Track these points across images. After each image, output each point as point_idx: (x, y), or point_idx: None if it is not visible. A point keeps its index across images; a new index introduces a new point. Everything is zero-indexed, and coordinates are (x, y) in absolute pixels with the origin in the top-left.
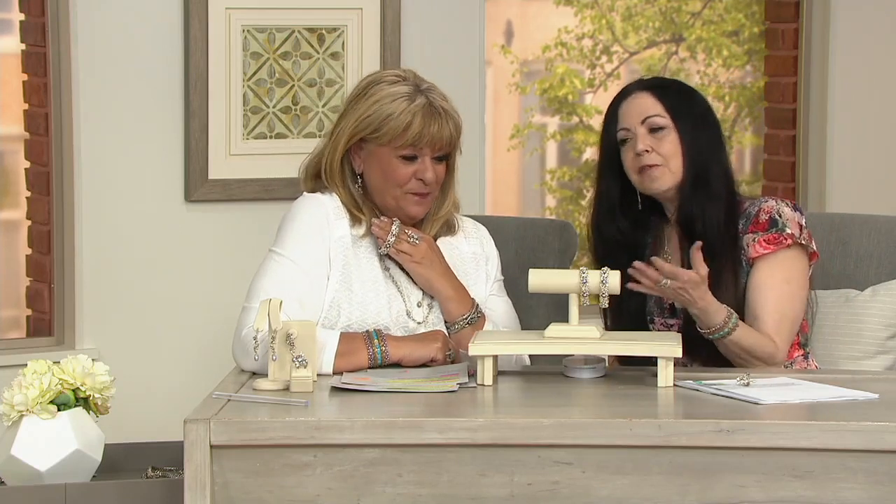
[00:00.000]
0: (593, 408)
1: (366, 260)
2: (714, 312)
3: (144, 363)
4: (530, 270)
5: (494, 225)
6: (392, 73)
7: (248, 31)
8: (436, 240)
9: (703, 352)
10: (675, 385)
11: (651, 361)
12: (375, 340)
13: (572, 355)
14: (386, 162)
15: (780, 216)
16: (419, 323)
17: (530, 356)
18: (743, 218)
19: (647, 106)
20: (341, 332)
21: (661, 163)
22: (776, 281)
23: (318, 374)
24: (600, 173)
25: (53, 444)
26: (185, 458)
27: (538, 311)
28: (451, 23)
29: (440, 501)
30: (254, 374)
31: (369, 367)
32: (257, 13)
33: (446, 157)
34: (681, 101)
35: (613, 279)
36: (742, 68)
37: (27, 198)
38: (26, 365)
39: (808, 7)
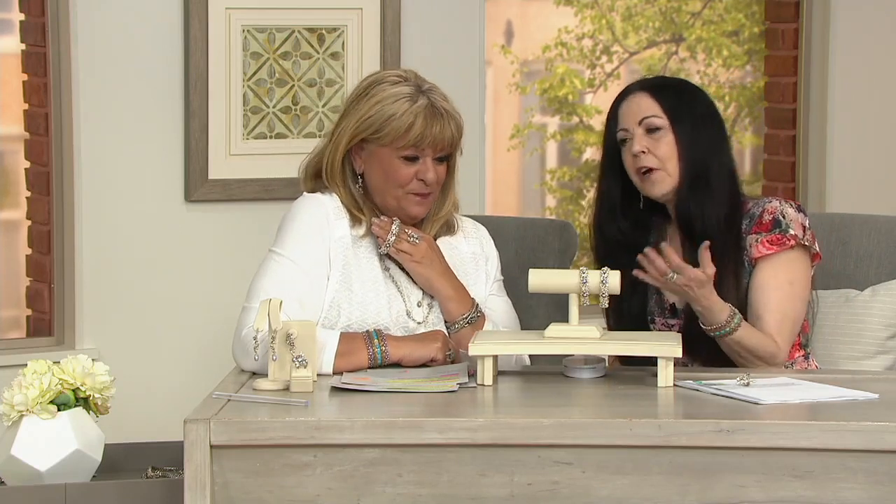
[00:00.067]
0: (593, 408)
1: (366, 260)
2: (718, 311)
3: (144, 363)
4: (530, 270)
5: (494, 225)
6: (394, 73)
7: (248, 31)
8: (435, 240)
9: (704, 352)
10: (675, 385)
11: (651, 361)
12: (375, 340)
13: (572, 355)
14: (387, 162)
15: (783, 217)
16: (419, 323)
17: (530, 356)
18: (746, 218)
19: (644, 106)
20: (341, 332)
21: (658, 165)
22: (779, 282)
23: (318, 374)
24: (602, 173)
25: (53, 444)
26: (185, 458)
27: (538, 311)
28: (451, 23)
29: (440, 501)
30: (254, 374)
31: (369, 367)
32: (257, 13)
33: (447, 158)
34: (680, 101)
35: (613, 279)
36: (742, 68)
37: (27, 198)
38: (26, 365)
39: (808, 7)
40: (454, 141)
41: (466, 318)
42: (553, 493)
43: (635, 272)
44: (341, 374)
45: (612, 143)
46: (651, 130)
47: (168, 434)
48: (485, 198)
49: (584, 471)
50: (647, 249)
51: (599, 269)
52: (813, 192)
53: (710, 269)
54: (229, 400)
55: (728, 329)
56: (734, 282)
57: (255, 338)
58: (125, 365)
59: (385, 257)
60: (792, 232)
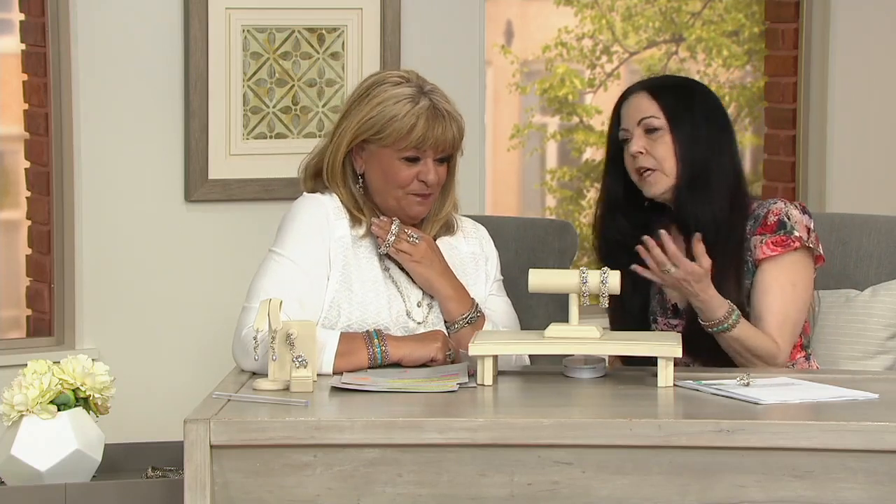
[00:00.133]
0: (593, 408)
1: (366, 260)
2: (716, 307)
3: (144, 363)
4: (530, 270)
5: (494, 225)
6: (395, 74)
7: (248, 31)
8: (435, 240)
9: (705, 353)
10: (675, 385)
11: (652, 361)
12: (375, 340)
13: (572, 355)
14: (388, 163)
15: (788, 218)
16: (419, 323)
17: (530, 356)
18: (751, 220)
19: (643, 107)
20: (341, 332)
21: (655, 166)
22: (781, 283)
23: (318, 374)
24: (605, 173)
25: (53, 444)
26: (185, 458)
27: (538, 311)
28: (451, 23)
29: (440, 501)
30: (254, 374)
31: (369, 367)
32: (257, 13)
33: (448, 159)
34: (681, 101)
35: (613, 279)
36: (742, 68)
37: (27, 198)
38: (26, 365)
39: (808, 7)
40: (455, 142)
41: (466, 318)
42: (553, 493)
43: (634, 267)
44: (341, 374)
45: (615, 142)
46: (650, 131)
47: (168, 434)
48: (485, 198)
49: (584, 471)
50: (646, 238)
51: (600, 268)
52: (813, 192)
53: (707, 262)
54: (229, 400)
55: (727, 325)
56: (736, 282)
57: (255, 338)
58: (125, 365)
59: (385, 257)
60: (796, 234)
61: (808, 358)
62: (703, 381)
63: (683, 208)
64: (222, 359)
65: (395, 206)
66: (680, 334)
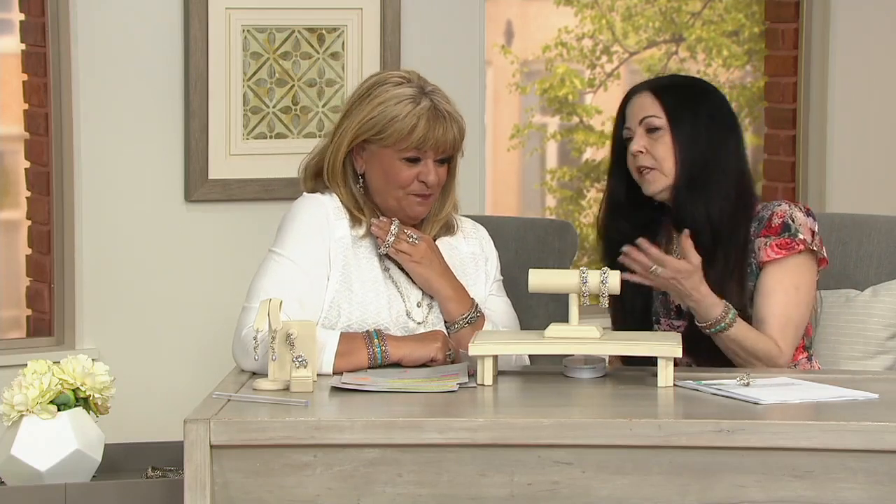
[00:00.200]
0: (593, 408)
1: (366, 260)
2: (711, 305)
3: (144, 363)
4: (530, 270)
5: (494, 225)
6: (396, 74)
7: (248, 31)
8: (435, 240)
9: (705, 353)
10: (675, 385)
11: (653, 361)
12: (375, 340)
13: (572, 355)
14: (388, 163)
15: (793, 221)
16: (419, 323)
17: (530, 356)
18: (755, 221)
19: (645, 106)
20: (341, 332)
21: (654, 165)
22: (785, 286)
23: (318, 374)
24: (610, 172)
25: (53, 444)
26: (185, 458)
27: (538, 311)
28: (451, 23)
29: (440, 501)
30: (254, 374)
31: (369, 367)
32: (257, 13)
33: (448, 160)
34: (683, 101)
35: (613, 279)
36: (742, 68)
37: (27, 198)
38: (26, 365)
39: (808, 7)
40: (456, 143)
41: (466, 318)
42: (553, 493)
43: (624, 276)
44: (341, 374)
45: (619, 141)
46: (651, 130)
47: (168, 434)
48: (485, 198)
49: (584, 471)
50: (626, 248)
51: (600, 268)
52: (813, 192)
53: (695, 258)
54: (229, 400)
55: (723, 325)
56: (738, 284)
57: (255, 338)
58: (125, 365)
59: (385, 258)
60: (801, 237)
61: (809, 359)
62: (703, 381)
63: (681, 208)
64: (222, 359)
65: (395, 207)
66: (680, 334)
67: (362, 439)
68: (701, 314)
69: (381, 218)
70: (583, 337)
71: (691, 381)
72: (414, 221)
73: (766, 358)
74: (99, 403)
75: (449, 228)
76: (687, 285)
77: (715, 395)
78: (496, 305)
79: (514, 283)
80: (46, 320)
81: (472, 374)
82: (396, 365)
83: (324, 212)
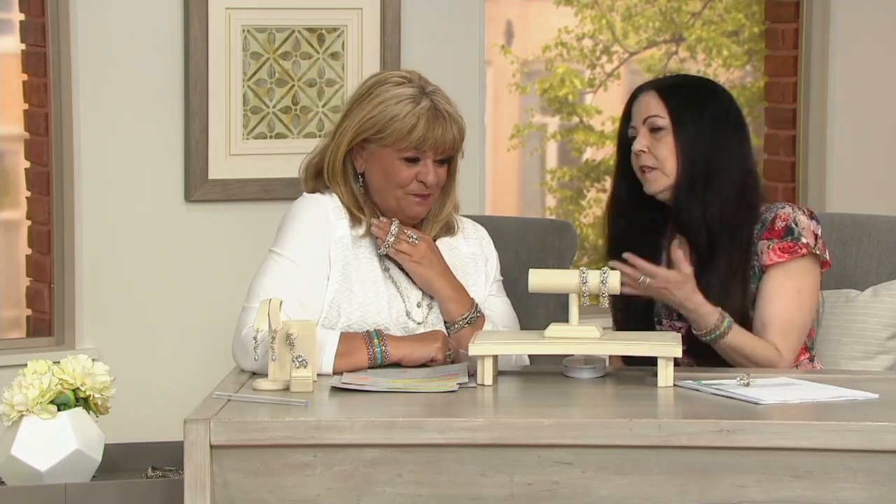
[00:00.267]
0: (593, 408)
1: (366, 260)
2: (706, 314)
3: (144, 363)
4: (530, 270)
5: (494, 225)
6: (397, 74)
7: (248, 31)
8: (435, 240)
9: (706, 354)
10: (675, 385)
11: (654, 361)
12: (375, 340)
13: (572, 355)
14: (388, 163)
15: (796, 224)
16: (419, 323)
17: (530, 356)
18: (758, 223)
19: (650, 105)
20: (341, 332)
21: (656, 165)
22: (787, 290)
23: (318, 374)
24: (615, 170)
25: (53, 444)
26: (185, 458)
27: (538, 311)
28: (451, 23)
29: (440, 501)
30: (254, 374)
31: (369, 367)
32: (257, 13)
33: (448, 160)
34: (688, 102)
35: (613, 279)
36: (742, 68)
37: (27, 198)
38: (26, 365)
39: (808, 7)
40: (456, 144)
41: (466, 318)
42: (553, 493)
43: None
44: (341, 374)
45: (625, 139)
46: (654, 130)
47: (168, 434)
48: (485, 198)
49: (584, 471)
50: (612, 262)
51: (600, 268)
52: (813, 192)
53: (687, 268)
54: (229, 400)
55: (718, 333)
56: (741, 286)
57: (255, 338)
58: (125, 365)
59: (385, 258)
60: (804, 240)
61: (812, 360)
62: (703, 381)
63: (682, 209)
64: (222, 359)
65: (394, 207)
66: (680, 335)
67: (362, 439)
68: (696, 322)
69: (382, 218)
70: (583, 337)
71: (691, 381)
72: (413, 221)
73: (766, 363)
74: (99, 403)
75: (449, 229)
76: (679, 295)
77: (715, 395)
78: (496, 306)
79: (514, 283)
80: (46, 320)
81: (472, 374)
82: (396, 365)
83: (324, 212)
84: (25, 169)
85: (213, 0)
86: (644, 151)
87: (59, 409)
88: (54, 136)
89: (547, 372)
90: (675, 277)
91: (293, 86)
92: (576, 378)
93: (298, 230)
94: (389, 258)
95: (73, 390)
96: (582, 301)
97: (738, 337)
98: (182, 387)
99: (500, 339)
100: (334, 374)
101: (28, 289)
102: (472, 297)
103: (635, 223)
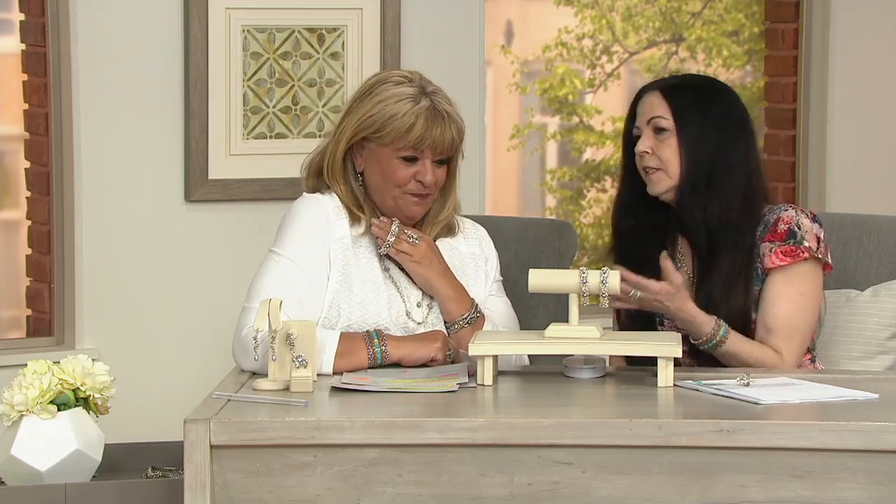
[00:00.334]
0: (593, 408)
1: (365, 260)
2: (701, 324)
3: (144, 363)
4: (530, 270)
5: (494, 225)
6: (398, 73)
7: (248, 31)
8: (435, 241)
9: (706, 354)
10: (675, 385)
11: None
12: (375, 340)
13: (572, 355)
14: (386, 162)
15: (799, 228)
16: (419, 323)
17: (530, 356)
18: (761, 225)
19: (654, 106)
20: (341, 332)
21: (659, 166)
22: (790, 294)
23: (318, 374)
24: (622, 169)
25: (53, 444)
26: (185, 458)
27: (538, 311)
28: (451, 23)
29: (440, 501)
30: (254, 374)
31: (369, 367)
32: (257, 13)
33: (447, 161)
34: (692, 103)
35: (613, 279)
36: (742, 68)
37: (27, 198)
38: (26, 365)
39: (808, 7)
40: (454, 144)
41: (466, 318)
42: (553, 493)
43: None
44: (341, 374)
45: (630, 139)
46: (658, 131)
47: (168, 434)
48: (485, 198)
49: (584, 471)
50: (619, 269)
51: (616, 265)
52: (813, 192)
53: (677, 279)
54: (229, 400)
55: (715, 341)
56: (744, 288)
57: (255, 338)
58: (125, 365)
59: (385, 258)
60: (806, 244)
61: (813, 360)
62: (703, 381)
63: (685, 210)
64: (222, 359)
65: (392, 206)
66: (680, 335)
67: (362, 439)
68: (692, 332)
69: (382, 218)
70: (583, 337)
71: (691, 381)
72: (411, 221)
73: (768, 368)
74: (99, 403)
75: (450, 230)
76: (672, 306)
77: (715, 395)
78: (496, 306)
79: (514, 283)
80: (46, 320)
81: (472, 374)
82: (396, 365)
83: (324, 212)
84: (25, 169)
85: (213, 0)
86: (648, 153)
87: (59, 409)
88: (54, 136)
89: (547, 372)
90: (666, 289)
91: (293, 86)
92: (576, 378)
93: (298, 230)
94: (390, 258)
95: (73, 390)
96: (582, 301)
97: (736, 344)
98: (182, 387)
99: (500, 339)
100: (334, 374)
101: (28, 289)
102: (472, 297)
103: (641, 223)
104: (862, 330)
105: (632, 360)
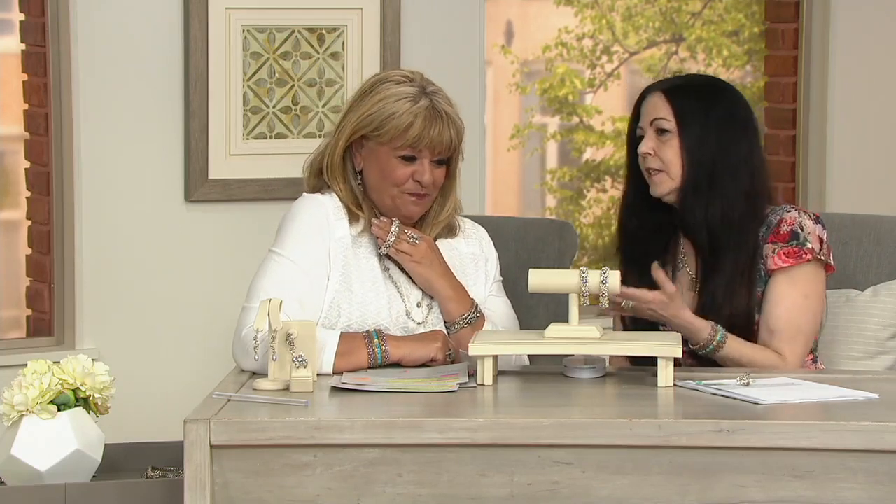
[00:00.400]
0: (593, 408)
1: (365, 260)
2: (697, 330)
3: (144, 363)
4: (530, 270)
5: (494, 225)
6: (400, 73)
7: (248, 31)
8: (435, 241)
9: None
10: (675, 385)
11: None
12: (375, 340)
13: (572, 355)
14: (385, 161)
15: (802, 229)
16: (419, 323)
17: (530, 356)
18: (763, 226)
19: (657, 107)
20: (341, 332)
21: (661, 167)
22: (793, 296)
23: (318, 374)
24: (627, 169)
25: (53, 444)
26: (185, 458)
27: (538, 311)
28: (451, 23)
29: (440, 501)
30: (254, 374)
31: (369, 367)
32: (257, 13)
33: (446, 162)
34: (695, 104)
35: (613, 279)
36: (742, 68)
37: (27, 198)
38: (26, 365)
39: (808, 7)
40: (453, 145)
41: (466, 318)
42: (553, 493)
43: (604, 311)
44: (341, 373)
45: (634, 140)
46: (660, 132)
47: (168, 434)
48: (485, 198)
49: (584, 471)
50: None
51: (623, 265)
52: (813, 192)
53: (670, 288)
54: (229, 400)
55: (712, 346)
56: (747, 289)
57: (255, 338)
58: (125, 365)
59: (385, 258)
60: (809, 246)
61: (815, 360)
62: (703, 381)
63: (687, 211)
64: (222, 359)
65: (390, 205)
66: (680, 335)
67: (362, 439)
68: (689, 337)
69: (382, 218)
70: (583, 337)
71: (691, 381)
72: (409, 221)
73: (770, 369)
74: (99, 403)
75: (451, 231)
76: (666, 314)
77: (715, 395)
78: (496, 306)
79: (514, 283)
80: (46, 320)
81: (472, 374)
82: (396, 365)
83: (324, 212)
84: (25, 169)
85: (213, 0)
86: (650, 154)
87: (59, 409)
88: (54, 136)
89: (547, 372)
90: (659, 298)
91: (293, 86)
92: (576, 378)
93: (298, 230)
94: (390, 258)
95: (73, 390)
96: (582, 301)
97: (735, 347)
98: (182, 387)
99: (500, 339)
100: (334, 374)
101: (28, 289)
102: (472, 297)
103: (645, 224)
104: (862, 330)
105: (634, 360)
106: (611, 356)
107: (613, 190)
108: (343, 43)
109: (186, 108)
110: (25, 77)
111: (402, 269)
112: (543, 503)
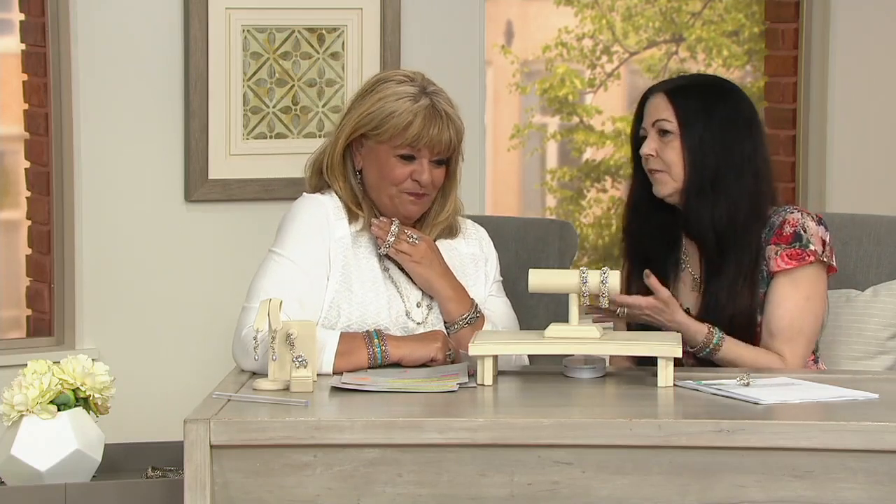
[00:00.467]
0: (593, 408)
1: (365, 260)
2: (694, 332)
3: (144, 363)
4: (530, 270)
5: (494, 225)
6: (401, 73)
7: (248, 31)
8: (435, 241)
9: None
10: (675, 385)
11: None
12: (375, 340)
13: (572, 355)
14: (384, 160)
15: (804, 231)
16: (419, 323)
17: (530, 356)
18: (766, 227)
19: (659, 109)
20: (341, 332)
21: (663, 168)
22: (796, 297)
23: (318, 374)
24: (632, 170)
25: (53, 444)
26: (185, 458)
27: (538, 311)
28: (451, 23)
29: (440, 501)
30: (254, 374)
31: (369, 367)
32: (257, 13)
33: (446, 162)
34: (697, 105)
35: (613, 279)
36: (742, 68)
37: (27, 198)
38: (26, 365)
39: (808, 7)
40: (452, 145)
41: (466, 318)
42: (553, 493)
43: (600, 319)
44: (341, 373)
45: (637, 140)
46: (662, 133)
47: (168, 434)
48: (485, 198)
49: (584, 471)
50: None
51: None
52: (813, 192)
53: (663, 293)
54: (229, 400)
55: (709, 349)
56: (749, 289)
57: (255, 338)
58: (125, 365)
59: (385, 258)
60: (812, 247)
61: (816, 360)
62: (703, 381)
63: (690, 212)
64: (222, 359)
65: (389, 204)
66: (680, 335)
67: (362, 439)
68: (686, 341)
69: (382, 218)
70: (583, 337)
71: (691, 381)
72: (408, 221)
73: (770, 371)
74: (99, 403)
75: (451, 231)
76: (661, 319)
77: (715, 395)
78: (496, 306)
79: (514, 283)
80: (46, 320)
81: (472, 374)
82: (396, 365)
83: (324, 212)
84: (25, 169)
85: (213, 0)
86: (652, 155)
87: (59, 409)
88: (54, 136)
89: (547, 372)
90: (653, 304)
91: (293, 86)
92: (576, 378)
93: (298, 230)
94: (389, 258)
95: (73, 390)
96: (582, 301)
97: (733, 349)
98: (182, 387)
99: (500, 339)
100: (334, 373)
101: (28, 289)
102: (471, 297)
103: (650, 223)
104: (862, 330)
105: (635, 360)
106: (611, 356)
107: (613, 190)
108: (343, 43)
109: (186, 108)
110: (25, 77)
111: (401, 269)
112: (543, 503)
